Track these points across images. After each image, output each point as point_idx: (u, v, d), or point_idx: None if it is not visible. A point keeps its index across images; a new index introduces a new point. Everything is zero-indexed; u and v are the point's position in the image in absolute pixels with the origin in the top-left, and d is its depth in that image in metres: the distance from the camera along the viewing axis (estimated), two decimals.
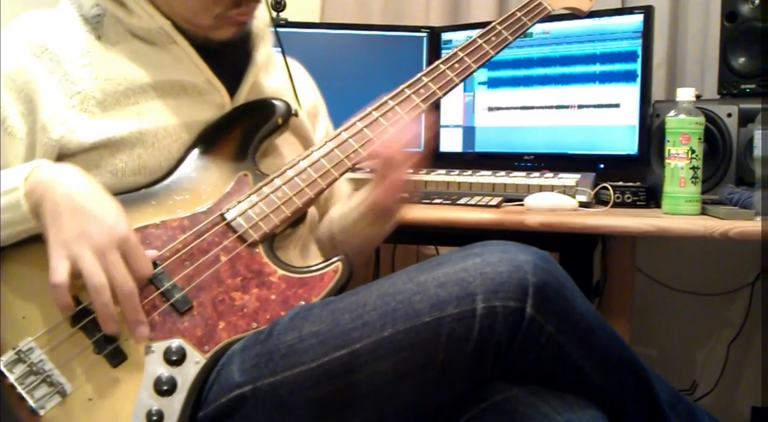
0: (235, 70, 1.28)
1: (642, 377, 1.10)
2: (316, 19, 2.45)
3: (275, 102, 1.25)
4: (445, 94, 1.27)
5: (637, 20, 1.87)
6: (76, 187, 1.04)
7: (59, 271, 0.98)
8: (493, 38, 1.32)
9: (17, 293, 1.04)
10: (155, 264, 1.07)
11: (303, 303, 1.10)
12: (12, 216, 1.03)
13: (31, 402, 0.99)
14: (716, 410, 2.13)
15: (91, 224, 1.01)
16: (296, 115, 1.27)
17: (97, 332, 1.03)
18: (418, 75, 1.28)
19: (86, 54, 1.18)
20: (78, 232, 1.00)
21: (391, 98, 1.25)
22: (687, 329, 2.19)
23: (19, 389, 0.99)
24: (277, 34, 1.36)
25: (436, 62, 1.29)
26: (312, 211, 1.32)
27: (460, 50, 1.30)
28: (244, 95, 1.26)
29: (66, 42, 1.18)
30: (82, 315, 1.03)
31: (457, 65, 1.29)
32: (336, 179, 1.19)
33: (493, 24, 1.34)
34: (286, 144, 1.29)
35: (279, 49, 1.37)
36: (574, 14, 1.49)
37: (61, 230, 1.00)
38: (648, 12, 1.87)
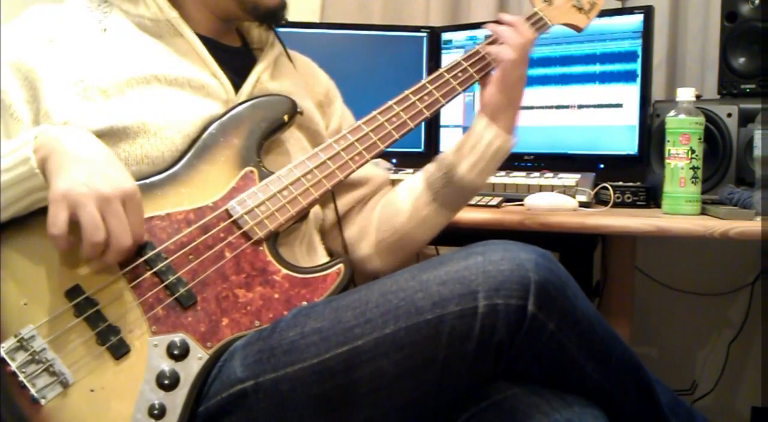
0: (240, 68, 1.29)
1: (643, 378, 1.10)
2: (316, 19, 2.44)
3: (281, 99, 1.25)
4: (447, 102, 1.31)
5: (637, 20, 1.87)
6: (83, 142, 1.05)
7: (58, 222, 0.98)
8: None
9: (18, 279, 1.04)
10: (161, 257, 1.08)
11: (305, 303, 1.11)
12: (21, 172, 1.03)
13: (33, 391, 0.99)
14: (716, 410, 2.14)
15: (97, 175, 1.01)
16: (301, 113, 1.28)
17: (101, 323, 1.03)
18: (422, 81, 1.30)
19: (91, 45, 1.20)
20: (82, 181, 0.99)
21: (396, 103, 1.27)
22: (687, 329, 2.19)
23: (21, 377, 0.99)
24: (277, 34, 1.38)
25: (440, 70, 1.32)
26: (315, 209, 1.33)
27: (463, 60, 1.33)
28: (247, 91, 1.27)
29: (71, 33, 1.20)
30: (86, 306, 1.03)
31: (460, 74, 1.32)
32: (341, 180, 1.21)
33: (495, 36, 1.35)
34: (291, 140, 1.30)
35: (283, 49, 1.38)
36: None
37: (66, 178, 1.00)
38: (648, 12, 1.87)
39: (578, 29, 1.49)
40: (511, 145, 1.34)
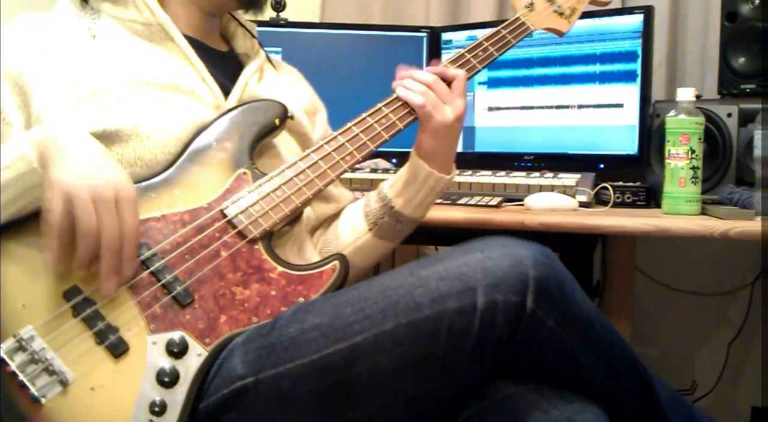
0: (228, 72, 1.31)
1: (642, 376, 1.10)
2: (316, 19, 2.45)
3: (272, 103, 1.27)
4: None
5: (637, 20, 1.87)
6: (81, 139, 1.06)
7: (54, 209, 0.99)
8: (480, 53, 1.37)
9: (16, 280, 1.04)
10: (158, 257, 1.08)
11: (302, 299, 1.12)
12: (20, 167, 1.03)
13: (33, 390, 0.99)
14: (716, 410, 2.14)
15: (93, 168, 1.02)
16: (292, 117, 1.29)
17: (99, 322, 1.03)
18: None
19: (81, 52, 1.20)
20: (81, 174, 1.00)
21: (385, 105, 1.29)
22: (687, 329, 2.19)
23: (21, 377, 0.99)
24: (260, 42, 1.40)
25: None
26: (308, 210, 1.33)
27: (449, 63, 1.34)
28: (237, 97, 1.28)
29: (60, 40, 1.21)
30: (84, 306, 1.04)
31: None
32: (333, 180, 1.22)
33: (480, 40, 1.38)
34: (283, 143, 1.31)
35: (277, 56, 1.40)
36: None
37: (62, 169, 1.01)
38: (648, 12, 1.87)
39: (560, 34, 1.50)
40: (448, 181, 1.35)
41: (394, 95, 1.29)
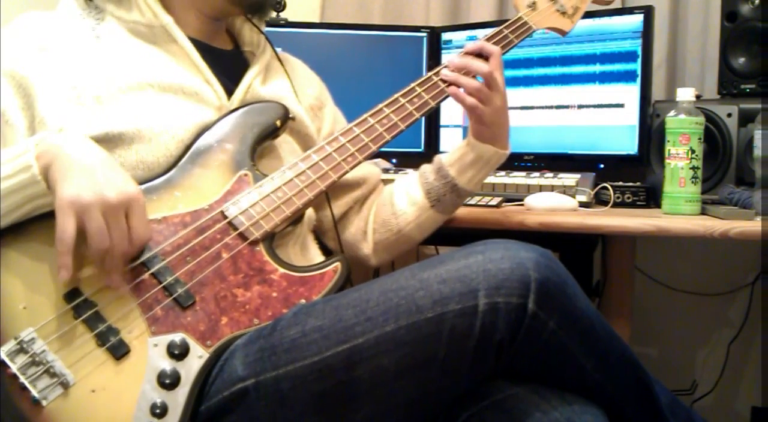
0: (233, 72, 1.30)
1: (642, 378, 1.11)
2: (316, 19, 2.45)
3: (273, 105, 1.27)
4: (438, 104, 1.33)
5: (637, 20, 1.87)
6: (85, 148, 1.05)
7: (67, 230, 0.99)
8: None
9: (17, 283, 1.04)
10: (159, 259, 1.08)
11: (303, 301, 1.12)
12: (22, 179, 1.03)
13: (34, 392, 0.99)
14: (716, 410, 2.14)
15: (102, 180, 1.01)
16: (293, 119, 1.29)
17: (100, 324, 1.03)
18: (412, 84, 1.33)
19: (84, 53, 1.20)
20: (88, 188, 1.00)
21: (386, 105, 1.29)
22: (687, 329, 2.19)
23: (22, 379, 0.99)
24: (267, 37, 1.40)
25: (428, 73, 1.35)
26: (309, 211, 1.34)
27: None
28: (240, 98, 1.27)
29: (64, 41, 1.21)
30: (85, 308, 1.04)
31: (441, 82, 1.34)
32: (334, 182, 1.22)
33: (481, 40, 1.38)
34: (284, 144, 1.31)
35: (280, 49, 1.40)
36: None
37: (71, 185, 1.00)
38: (648, 12, 1.87)
39: (563, 33, 1.50)
40: (506, 156, 1.41)
41: (395, 96, 1.30)
